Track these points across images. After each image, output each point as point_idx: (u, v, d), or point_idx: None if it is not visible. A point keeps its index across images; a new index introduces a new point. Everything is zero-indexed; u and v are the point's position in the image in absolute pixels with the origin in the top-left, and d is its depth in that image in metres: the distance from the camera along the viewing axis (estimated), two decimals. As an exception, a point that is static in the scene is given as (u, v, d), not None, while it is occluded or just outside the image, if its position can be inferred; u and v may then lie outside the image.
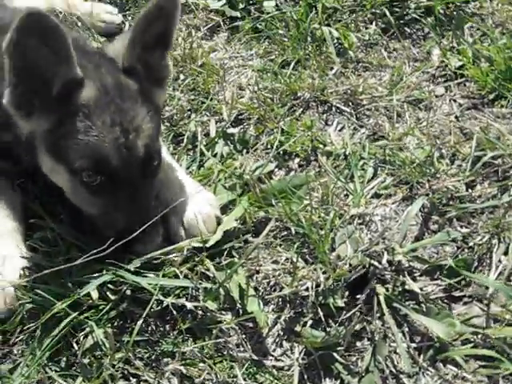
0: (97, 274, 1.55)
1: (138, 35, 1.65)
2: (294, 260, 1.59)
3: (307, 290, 1.57)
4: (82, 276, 1.57)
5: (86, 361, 1.49)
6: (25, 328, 1.54)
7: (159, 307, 1.57)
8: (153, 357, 1.52)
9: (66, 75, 1.56)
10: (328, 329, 1.53)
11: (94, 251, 1.50)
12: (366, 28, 2.38)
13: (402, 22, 2.40)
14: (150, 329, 1.56)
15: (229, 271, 1.57)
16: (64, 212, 1.75)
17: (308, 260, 1.62)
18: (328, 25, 2.32)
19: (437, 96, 2.09)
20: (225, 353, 1.53)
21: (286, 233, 1.70)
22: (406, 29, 2.39)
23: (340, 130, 2.02)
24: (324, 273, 1.55)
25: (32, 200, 1.81)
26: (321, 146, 1.94)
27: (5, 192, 1.80)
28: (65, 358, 1.51)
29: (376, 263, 1.59)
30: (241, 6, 2.50)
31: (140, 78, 1.69)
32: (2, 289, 1.54)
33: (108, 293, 1.55)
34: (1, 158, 1.81)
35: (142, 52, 1.68)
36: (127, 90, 1.65)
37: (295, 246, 1.63)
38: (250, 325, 1.56)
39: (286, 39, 2.31)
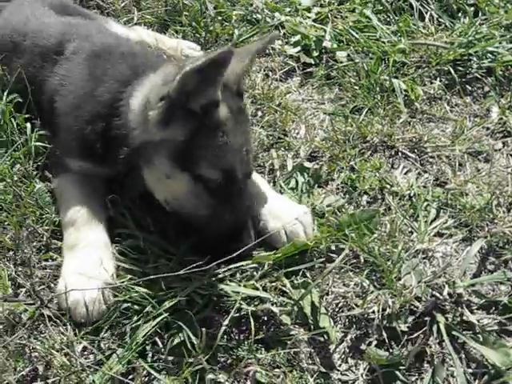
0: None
1: (250, 64, 1.91)
2: (365, 285, 1.76)
3: (374, 312, 1.73)
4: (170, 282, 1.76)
5: (170, 358, 1.67)
6: (116, 324, 1.73)
7: (237, 314, 1.74)
8: (228, 361, 1.69)
9: (211, 96, 1.74)
10: (391, 350, 1.69)
11: (194, 265, 1.68)
12: (431, 83, 2.58)
13: (464, 80, 2.60)
14: (226, 336, 1.74)
15: (303, 290, 1.75)
16: (153, 225, 1.96)
17: (376, 286, 1.78)
18: (396, 77, 2.53)
19: (495, 150, 2.26)
20: (295, 363, 1.69)
21: (355, 261, 1.87)
22: (467, 86, 2.58)
23: (405, 174, 2.20)
24: (392, 297, 1.72)
25: (120, 213, 1.99)
26: (387, 186, 2.12)
27: (93, 200, 1.97)
28: (150, 355, 1.68)
29: (437, 294, 1.75)
30: (315, 53, 2.73)
31: (244, 98, 1.94)
32: (96, 292, 1.71)
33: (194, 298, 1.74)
34: (93, 160, 1.97)
35: None
36: (244, 111, 1.91)
37: (365, 272, 1.80)
38: (321, 339, 1.72)
39: (356, 87, 2.52)
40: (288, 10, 2.99)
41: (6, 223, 2.00)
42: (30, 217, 1.99)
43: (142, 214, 1.98)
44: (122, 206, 1.98)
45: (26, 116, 2.25)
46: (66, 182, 2.02)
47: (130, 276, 1.77)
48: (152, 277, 1.69)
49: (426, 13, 2.90)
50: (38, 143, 2.14)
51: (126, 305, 1.73)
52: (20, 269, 1.92)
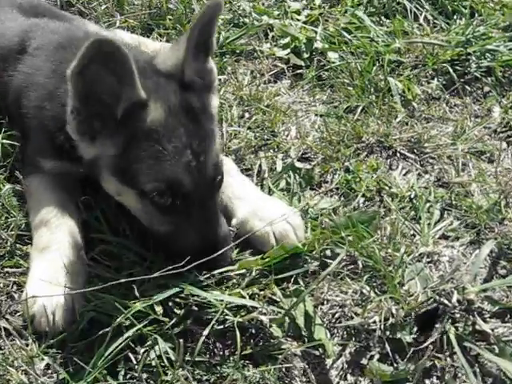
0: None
1: (192, 46, 1.63)
2: (364, 292, 1.58)
3: (375, 322, 1.54)
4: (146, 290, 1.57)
5: (144, 376, 1.47)
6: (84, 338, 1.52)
7: (221, 326, 1.54)
8: (211, 379, 1.49)
9: (130, 98, 1.55)
10: (395, 364, 1.49)
11: (170, 267, 1.50)
12: (428, 83, 2.43)
13: (462, 80, 2.45)
14: (210, 350, 1.54)
15: (295, 299, 1.56)
16: (129, 228, 1.77)
17: (377, 293, 1.60)
18: (391, 77, 2.38)
19: (499, 149, 2.10)
20: (287, 381, 1.49)
21: (352, 266, 1.69)
22: (466, 86, 2.43)
23: (405, 175, 2.03)
24: (396, 305, 1.53)
25: (93, 214, 1.82)
26: (386, 187, 1.95)
27: (66, 200, 1.79)
28: (123, 372, 1.47)
29: (445, 301, 1.56)
30: (305, 55, 2.59)
31: (199, 90, 1.69)
32: (64, 299, 1.53)
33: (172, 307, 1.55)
34: (64, 159, 1.78)
35: (195, 62, 1.68)
36: (192, 108, 1.63)
37: (364, 278, 1.62)
38: (316, 353, 1.53)
39: (350, 88, 2.37)
40: (277, 13, 2.85)
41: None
42: (-7, 221, 1.80)
43: (118, 218, 1.80)
44: (96, 208, 1.81)
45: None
46: (37, 181, 1.84)
47: (101, 283, 1.57)
48: (122, 280, 1.51)
49: (421, 14, 2.76)
50: (5, 141, 1.96)
51: (95, 314, 1.53)
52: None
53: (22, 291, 1.67)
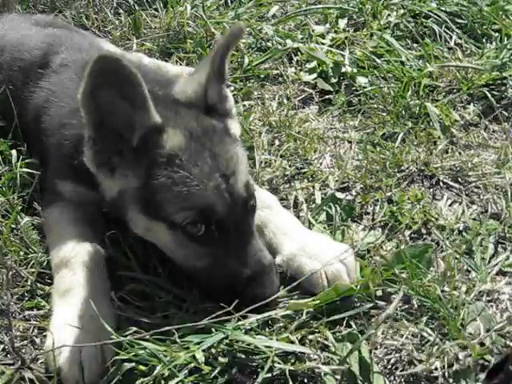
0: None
1: (216, 70, 1.58)
2: (425, 335, 1.43)
3: (437, 369, 1.40)
4: (186, 335, 1.42)
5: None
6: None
7: (269, 374, 1.39)
8: None
9: (144, 123, 1.46)
10: (462, 416, 1.35)
11: (220, 312, 1.37)
12: (464, 108, 2.32)
13: (499, 105, 2.34)
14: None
15: (349, 344, 1.42)
16: (160, 264, 1.64)
17: (439, 337, 1.45)
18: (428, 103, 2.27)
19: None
20: None
21: (406, 306, 1.55)
22: (503, 112, 2.33)
23: (450, 205, 1.90)
24: (461, 349, 1.39)
25: (120, 249, 1.69)
26: (433, 219, 1.82)
27: (89, 235, 1.66)
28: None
29: (513, 345, 1.42)
30: (333, 80, 2.48)
31: (221, 115, 1.62)
32: (92, 348, 1.37)
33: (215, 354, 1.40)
34: (86, 183, 1.65)
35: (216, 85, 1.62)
36: (215, 131, 1.55)
37: (423, 320, 1.47)
38: (375, 405, 1.38)
39: (384, 114, 2.26)
40: (300, 36, 2.75)
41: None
42: (12, 256, 1.66)
43: (147, 253, 1.66)
44: (123, 242, 1.67)
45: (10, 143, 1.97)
46: (58, 213, 1.71)
47: (134, 328, 1.42)
48: (164, 329, 1.35)
49: (450, 38, 2.68)
50: (24, 169, 1.82)
51: (130, 365, 1.37)
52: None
53: (44, 336, 1.54)
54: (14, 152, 1.94)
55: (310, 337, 1.44)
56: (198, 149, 1.49)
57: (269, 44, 2.73)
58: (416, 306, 1.53)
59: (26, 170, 1.86)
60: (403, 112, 2.25)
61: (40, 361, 1.47)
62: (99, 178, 1.55)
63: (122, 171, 1.51)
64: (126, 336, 1.39)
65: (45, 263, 1.66)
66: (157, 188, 1.46)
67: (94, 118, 1.42)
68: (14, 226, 1.78)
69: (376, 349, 1.48)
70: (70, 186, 1.71)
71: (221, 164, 1.49)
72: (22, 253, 1.69)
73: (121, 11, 3.10)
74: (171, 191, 1.45)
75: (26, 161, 1.90)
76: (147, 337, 1.39)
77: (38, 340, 1.53)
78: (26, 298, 1.61)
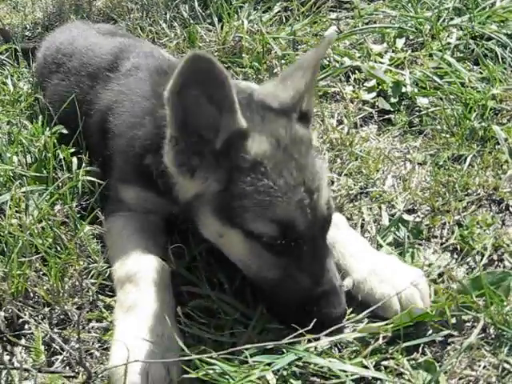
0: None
1: (312, 79, 1.54)
2: (507, 366, 1.35)
3: (520, 406, 1.32)
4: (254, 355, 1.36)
5: None
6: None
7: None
8: None
9: (230, 127, 1.41)
10: None
11: (298, 332, 1.32)
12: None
13: None
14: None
15: (425, 372, 1.35)
16: (226, 279, 1.59)
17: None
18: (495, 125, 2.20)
19: None
20: None
21: (483, 334, 1.47)
22: None
23: (522, 233, 1.83)
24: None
25: (183, 263, 1.65)
26: (504, 245, 1.74)
27: (154, 247, 1.62)
28: None
29: None
30: (393, 99, 2.43)
31: (308, 124, 1.57)
32: (160, 368, 1.31)
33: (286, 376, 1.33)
34: (153, 189, 1.63)
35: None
36: (302, 141, 1.49)
37: (504, 350, 1.39)
38: None
39: (447, 135, 2.20)
40: (358, 55, 2.71)
41: (42, 272, 1.64)
42: (74, 266, 1.62)
43: (211, 268, 1.61)
44: (186, 256, 1.62)
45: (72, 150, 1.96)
46: (121, 224, 1.67)
47: (202, 347, 1.37)
48: (236, 349, 1.30)
49: (512, 61, 2.61)
50: (87, 177, 1.80)
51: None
52: (56, 330, 1.55)
53: (104, 349, 1.49)
54: (74, 159, 1.92)
55: (384, 362, 1.38)
56: (285, 159, 1.43)
57: (325, 61, 2.69)
58: (493, 335, 1.46)
59: (88, 177, 1.83)
60: (468, 134, 2.18)
61: (100, 374, 1.43)
62: (176, 179, 1.51)
63: (203, 174, 1.46)
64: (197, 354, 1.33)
65: (107, 274, 1.62)
66: (237, 194, 1.41)
67: (179, 117, 1.38)
68: (72, 234, 1.76)
69: (452, 378, 1.40)
70: (134, 191, 1.68)
71: (306, 178, 1.43)
72: (82, 263, 1.66)
73: (175, 24, 3.10)
74: (253, 199, 1.40)
75: (87, 168, 1.88)
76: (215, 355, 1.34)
77: (97, 353, 1.49)
78: (87, 310, 1.57)
